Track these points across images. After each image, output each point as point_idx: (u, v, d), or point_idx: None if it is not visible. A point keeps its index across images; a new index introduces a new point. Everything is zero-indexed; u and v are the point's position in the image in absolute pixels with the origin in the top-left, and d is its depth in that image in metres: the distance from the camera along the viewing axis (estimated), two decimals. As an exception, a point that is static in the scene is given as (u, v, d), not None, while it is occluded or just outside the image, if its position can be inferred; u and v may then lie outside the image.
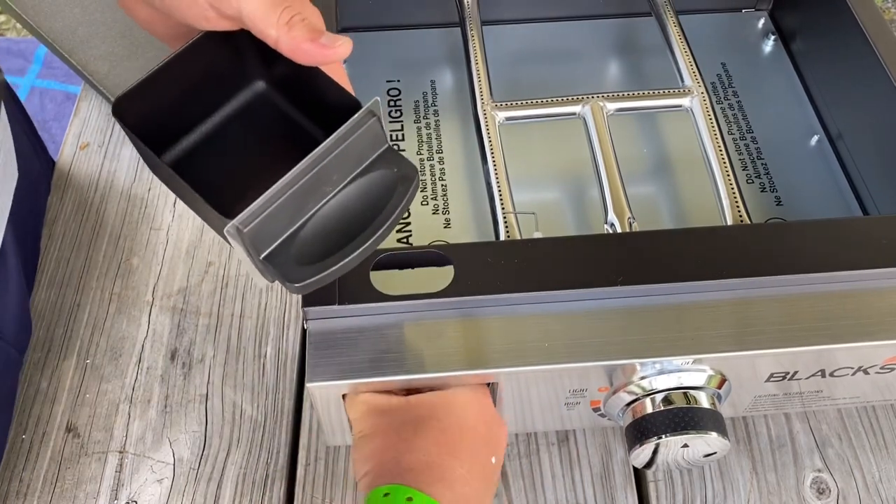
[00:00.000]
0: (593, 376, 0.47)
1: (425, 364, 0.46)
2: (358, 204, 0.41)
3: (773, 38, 0.74)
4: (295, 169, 0.38)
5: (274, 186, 0.37)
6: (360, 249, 0.39)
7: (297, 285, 0.39)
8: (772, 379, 0.49)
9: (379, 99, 0.40)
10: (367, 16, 0.74)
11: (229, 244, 0.39)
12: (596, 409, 0.52)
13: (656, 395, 0.48)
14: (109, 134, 0.79)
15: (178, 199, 0.73)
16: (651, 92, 0.63)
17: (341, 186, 0.40)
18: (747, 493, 0.57)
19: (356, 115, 0.39)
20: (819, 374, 0.49)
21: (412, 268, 0.50)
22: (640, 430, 0.48)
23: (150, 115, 0.41)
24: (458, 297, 0.47)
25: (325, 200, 0.40)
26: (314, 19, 0.39)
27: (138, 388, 0.62)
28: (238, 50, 0.42)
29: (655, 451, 0.48)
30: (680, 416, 0.47)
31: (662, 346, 0.46)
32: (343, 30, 0.73)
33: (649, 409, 0.48)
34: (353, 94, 0.41)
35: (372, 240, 0.39)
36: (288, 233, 0.39)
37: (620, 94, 0.63)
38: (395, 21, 0.75)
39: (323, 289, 0.40)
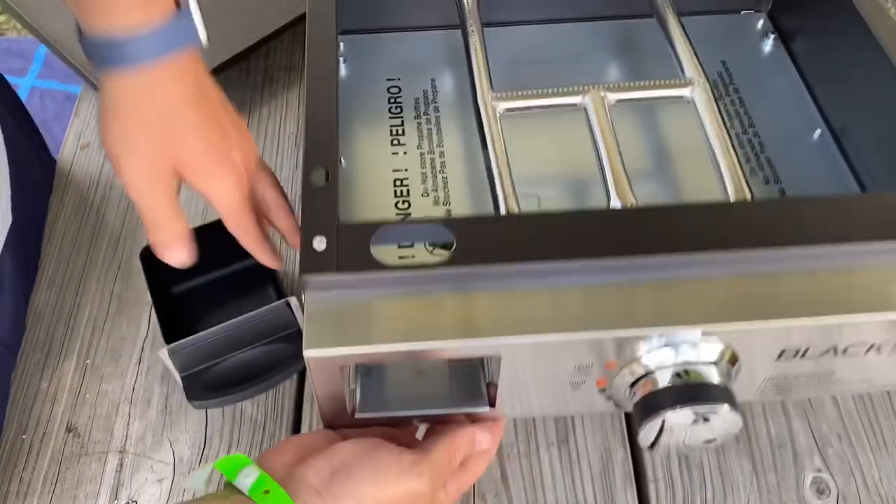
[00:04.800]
0: (600, 349, 0.46)
1: (426, 334, 0.45)
2: (256, 363, 0.59)
3: (772, 36, 0.74)
4: (219, 327, 0.57)
5: (202, 333, 0.57)
6: (242, 394, 0.58)
7: (193, 402, 0.58)
8: (783, 357, 0.48)
9: (295, 299, 0.58)
10: (367, 18, 0.74)
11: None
12: (602, 391, 0.50)
13: (665, 371, 0.46)
14: (109, 134, 0.79)
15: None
16: (652, 83, 0.63)
17: (251, 347, 0.60)
18: (747, 494, 0.57)
19: (271, 305, 0.58)
20: (831, 351, 0.48)
21: (412, 245, 0.50)
22: (650, 405, 0.46)
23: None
24: (460, 267, 0.46)
25: (235, 353, 0.60)
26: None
27: (138, 389, 0.62)
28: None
29: (662, 429, 0.47)
30: (691, 389, 0.45)
31: (672, 317, 0.45)
32: (343, 32, 0.73)
33: (658, 385, 0.46)
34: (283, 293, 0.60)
35: (253, 389, 0.58)
36: (204, 366, 0.59)
37: (621, 85, 0.62)
38: (395, 24, 0.74)
39: (321, 257, 0.45)
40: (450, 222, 0.48)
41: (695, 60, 0.64)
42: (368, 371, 0.52)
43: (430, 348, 0.45)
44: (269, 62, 0.85)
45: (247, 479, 0.43)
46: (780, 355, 0.48)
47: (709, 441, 0.48)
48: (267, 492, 0.42)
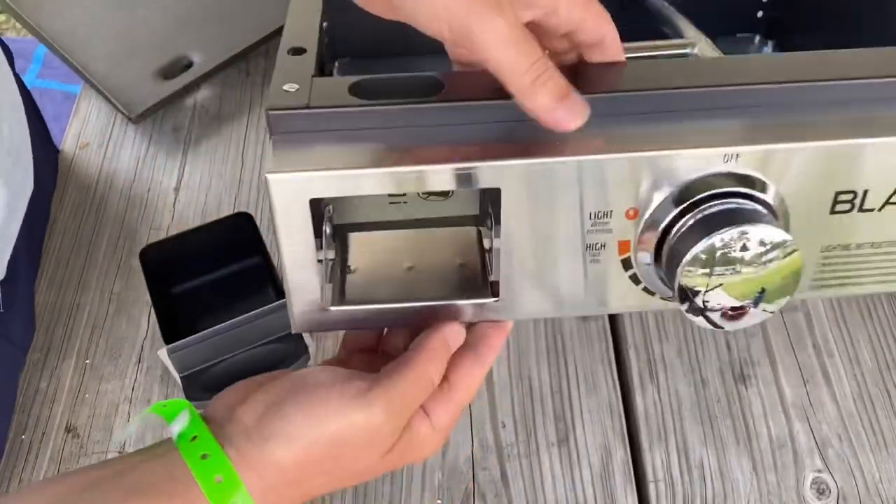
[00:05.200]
0: (618, 183, 0.39)
1: (412, 161, 0.37)
2: (255, 363, 0.58)
3: (770, 43, 0.74)
4: (219, 327, 0.57)
5: (201, 333, 0.57)
6: None
7: (193, 403, 0.52)
8: (838, 206, 0.41)
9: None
10: (361, 48, 0.72)
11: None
12: (627, 267, 0.42)
13: (695, 215, 0.39)
14: (109, 134, 0.79)
15: (177, 200, 0.73)
16: (655, 43, 0.62)
17: (250, 347, 0.59)
18: (747, 494, 0.57)
19: (271, 305, 0.58)
20: (893, 196, 0.42)
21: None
22: (685, 243, 0.38)
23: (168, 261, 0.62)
24: (451, 103, 0.39)
25: (234, 353, 0.59)
26: (560, 82, 0.37)
27: (138, 389, 0.62)
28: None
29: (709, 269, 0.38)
30: (737, 211, 0.38)
31: (697, 142, 0.38)
32: (334, 56, 0.71)
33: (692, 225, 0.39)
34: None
35: None
36: (203, 366, 0.59)
37: (625, 45, 0.61)
38: (391, 50, 0.73)
39: (291, 96, 0.39)
40: (439, 76, 0.42)
41: (694, 28, 0.63)
42: (349, 265, 0.46)
43: (417, 172, 0.37)
44: (269, 62, 0.85)
45: (176, 425, 0.38)
46: (834, 204, 0.41)
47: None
48: (195, 438, 0.37)
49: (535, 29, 0.40)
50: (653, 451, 0.59)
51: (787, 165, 0.39)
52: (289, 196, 0.37)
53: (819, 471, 0.58)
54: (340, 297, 0.44)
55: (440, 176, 0.38)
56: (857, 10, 0.62)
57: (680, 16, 0.65)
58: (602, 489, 0.57)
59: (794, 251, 0.39)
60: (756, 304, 0.40)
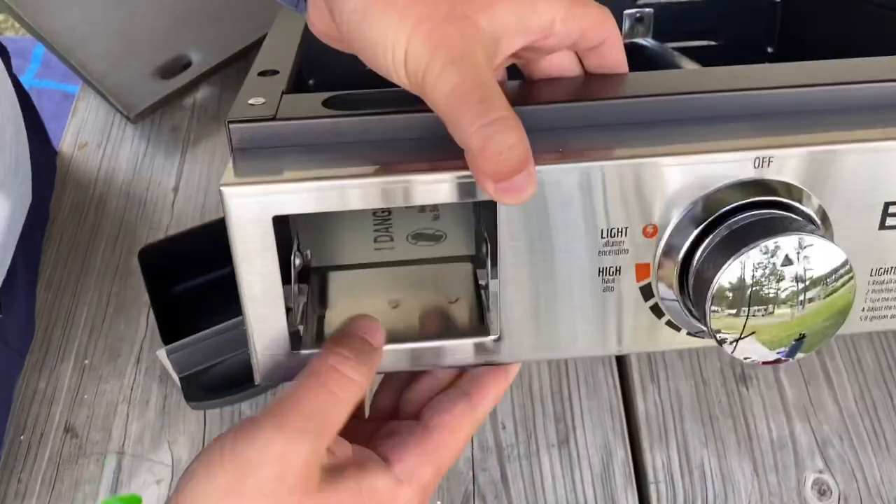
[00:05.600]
0: (635, 193, 0.34)
1: (394, 172, 0.33)
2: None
3: None
4: (218, 327, 0.57)
5: (200, 333, 0.56)
6: (241, 396, 0.57)
7: (191, 403, 0.57)
8: (889, 220, 0.36)
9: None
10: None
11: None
12: (648, 297, 0.37)
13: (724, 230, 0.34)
14: (108, 133, 0.79)
15: (175, 200, 0.73)
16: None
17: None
18: (748, 495, 0.57)
19: None
20: None
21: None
22: (714, 260, 0.33)
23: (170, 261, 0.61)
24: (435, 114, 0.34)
25: (233, 354, 0.58)
26: (517, 150, 0.31)
27: (136, 389, 0.62)
28: None
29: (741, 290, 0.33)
30: (777, 221, 0.33)
31: (724, 142, 0.34)
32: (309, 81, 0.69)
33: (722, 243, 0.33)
34: None
35: (252, 391, 0.58)
36: (202, 366, 0.58)
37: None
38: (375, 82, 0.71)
39: (256, 109, 0.36)
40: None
41: (694, 62, 0.63)
42: (327, 302, 0.42)
43: (397, 182, 0.33)
44: (268, 62, 0.85)
45: None
46: (884, 217, 0.35)
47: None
48: None
49: (532, 53, 0.37)
50: (653, 452, 0.59)
51: (827, 171, 0.34)
52: (249, 213, 0.33)
53: (820, 471, 0.58)
54: (316, 338, 0.39)
55: (424, 187, 0.33)
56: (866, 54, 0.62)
57: (686, 59, 0.64)
58: (602, 490, 0.57)
59: (848, 279, 0.33)
60: (792, 353, 0.35)
